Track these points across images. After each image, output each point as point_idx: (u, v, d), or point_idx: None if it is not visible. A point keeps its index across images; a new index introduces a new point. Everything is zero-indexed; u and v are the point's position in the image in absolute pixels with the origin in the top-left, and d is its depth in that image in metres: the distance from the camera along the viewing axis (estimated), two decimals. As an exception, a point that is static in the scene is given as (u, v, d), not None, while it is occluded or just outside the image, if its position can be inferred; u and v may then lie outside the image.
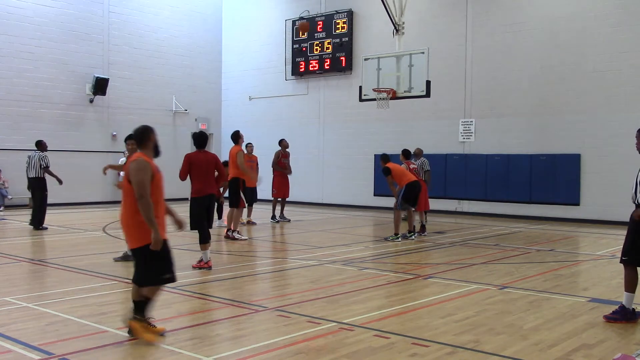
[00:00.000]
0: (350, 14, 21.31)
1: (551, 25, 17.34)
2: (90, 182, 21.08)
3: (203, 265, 8.88)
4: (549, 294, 7.41)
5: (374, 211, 19.58)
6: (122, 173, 8.93)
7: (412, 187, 12.35)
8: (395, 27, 15.65)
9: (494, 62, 18.36)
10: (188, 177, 9.18)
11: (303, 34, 12.93)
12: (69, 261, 9.45)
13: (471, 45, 18.80)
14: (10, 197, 18.52)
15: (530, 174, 17.51)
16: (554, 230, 14.95)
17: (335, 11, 21.67)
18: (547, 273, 8.94)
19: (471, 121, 18.79)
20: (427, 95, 14.67)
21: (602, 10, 16.51)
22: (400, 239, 12.37)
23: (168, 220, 5.65)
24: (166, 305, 6.91)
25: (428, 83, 14.48)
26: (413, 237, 12.73)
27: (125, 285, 7.76)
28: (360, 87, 15.72)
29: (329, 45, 21.78)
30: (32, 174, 13.83)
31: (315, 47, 22.16)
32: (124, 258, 9.38)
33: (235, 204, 12.28)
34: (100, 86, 20.91)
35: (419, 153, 15.21)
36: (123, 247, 9.94)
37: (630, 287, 6.15)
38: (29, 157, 14.00)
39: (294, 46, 22.73)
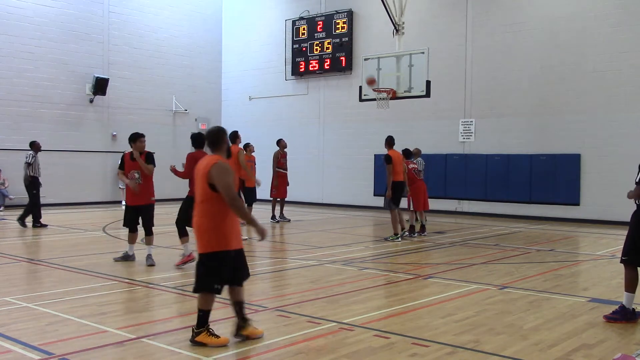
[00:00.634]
0: (350, 14, 21.31)
1: (551, 25, 17.34)
2: (90, 182, 21.10)
3: (187, 259, 8.95)
4: (549, 294, 7.41)
5: (374, 211, 19.57)
6: (137, 174, 8.94)
7: (398, 186, 12.50)
8: (395, 27, 15.65)
9: (494, 62, 18.35)
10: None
11: (370, 85, 12.89)
12: (69, 261, 9.45)
13: (471, 45, 18.80)
14: (11, 197, 18.51)
15: (530, 174, 17.51)
16: (554, 230, 14.94)
17: (335, 11, 21.67)
18: (547, 273, 8.93)
19: (471, 121, 18.79)
20: (427, 95, 14.67)
21: (602, 10, 16.51)
22: (400, 239, 12.37)
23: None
24: (166, 305, 6.92)
25: (428, 83, 14.48)
26: (401, 237, 12.57)
27: (126, 285, 7.76)
28: (360, 87, 15.72)
29: (329, 45, 21.77)
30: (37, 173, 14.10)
31: (315, 47, 22.16)
32: (124, 258, 9.39)
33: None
34: (100, 86, 20.91)
35: (417, 153, 15.10)
36: (123, 247, 9.94)
37: (630, 287, 6.14)
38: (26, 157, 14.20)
39: (294, 46, 22.73)
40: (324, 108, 22.28)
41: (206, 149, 6.21)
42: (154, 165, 9.15)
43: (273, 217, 16.10)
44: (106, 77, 21.19)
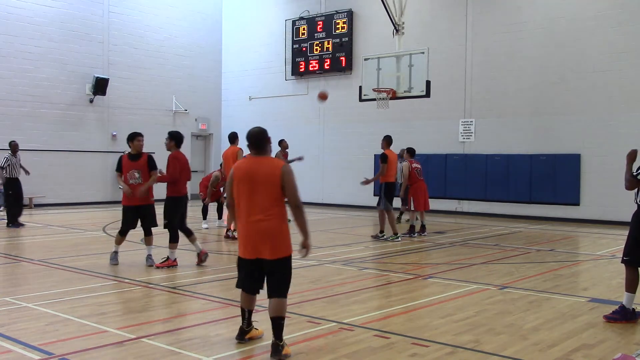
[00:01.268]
0: (350, 14, 21.31)
1: (551, 25, 17.34)
2: (90, 182, 21.10)
3: (172, 264, 8.95)
4: (549, 294, 7.41)
5: (374, 211, 19.50)
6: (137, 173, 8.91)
7: (391, 187, 12.58)
8: (395, 27, 15.65)
9: (494, 62, 18.35)
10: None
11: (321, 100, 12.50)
12: (69, 261, 9.45)
13: (471, 46, 18.80)
14: (11, 197, 18.48)
15: (530, 174, 17.51)
16: (554, 230, 14.94)
17: (335, 11, 21.67)
18: (547, 273, 8.93)
19: (471, 121, 18.79)
20: (427, 95, 14.67)
21: (602, 10, 16.51)
22: (400, 239, 12.36)
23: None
24: (166, 305, 6.92)
25: (428, 83, 14.48)
26: (384, 236, 12.53)
27: (126, 285, 7.76)
28: (360, 87, 15.73)
29: (329, 45, 21.77)
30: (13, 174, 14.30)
31: (315, 47, 22.16)
32: (114, 257, 9.25)
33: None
34: (100, 86, 20.91)
35: (402, 154, 14.80)
36: (123, 247, 9.91)
37: (630, 288, 6.14)
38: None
39: (294, 46, 22.74)
40: (324, 108, 22.26)
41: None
42: (157, 168, 9.12)
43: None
44: (106, 77, 21.19)
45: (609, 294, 7.43)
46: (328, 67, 21.81)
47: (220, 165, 14.08)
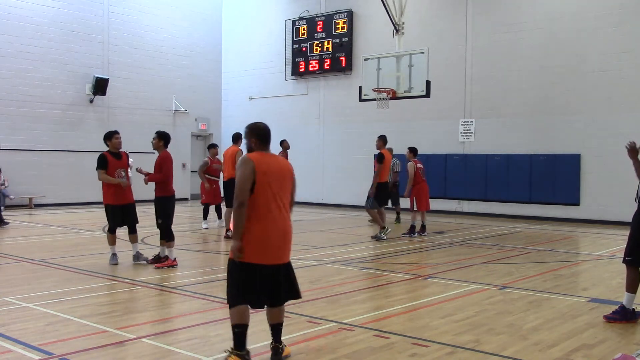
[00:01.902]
0: (350, 14, 21.31)
1: (551, 25, 17.33)
2: (90, 182, 20.98)
3: (171, 263, 8.95)
4: (549, 294, 7.41)
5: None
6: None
7: (385, 187, 12.80)
8: (395, 27, 15.64)
9: (494, 62, 18.35)
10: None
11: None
12: (69, 261, 9.45)
13: (471, 45, 18.79)
14: (12, 197, 18.49)
15: (530, 174, 17.50)
16: (554, 230, 14.94)
17: (335, 11, 21.67)
18: (547, 273, 8.93)
19: (471, 121, 18.78)
20: (427, 95, 14.67)
21: (602, 10, 16.50)
22: (389, 231, 12.52)
23: None
24: (166, 305, 6.92)
25: (428, 83, 14.47)
26: (388, 231, 12.64)
27: (126, 285, 7.76)
28: (360, 87, 15.71)
29: (329, 45, 21.77)
30: None
31: (315, 47, 22.15)
32: (114, 259, 9.26)
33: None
34: (100, 86, 20.90)
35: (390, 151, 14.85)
36: (123, 247, 9.92)
37: (631, 288, 6.14)
38: None
39: (294, 46, 22.73)
40: (324, 108, 22.27)
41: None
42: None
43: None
44: (106, 77, 21.18)
45: (609, 294, 7.43)
46: (328, 67, 21.80)
47: (208, 149, 15.18)
